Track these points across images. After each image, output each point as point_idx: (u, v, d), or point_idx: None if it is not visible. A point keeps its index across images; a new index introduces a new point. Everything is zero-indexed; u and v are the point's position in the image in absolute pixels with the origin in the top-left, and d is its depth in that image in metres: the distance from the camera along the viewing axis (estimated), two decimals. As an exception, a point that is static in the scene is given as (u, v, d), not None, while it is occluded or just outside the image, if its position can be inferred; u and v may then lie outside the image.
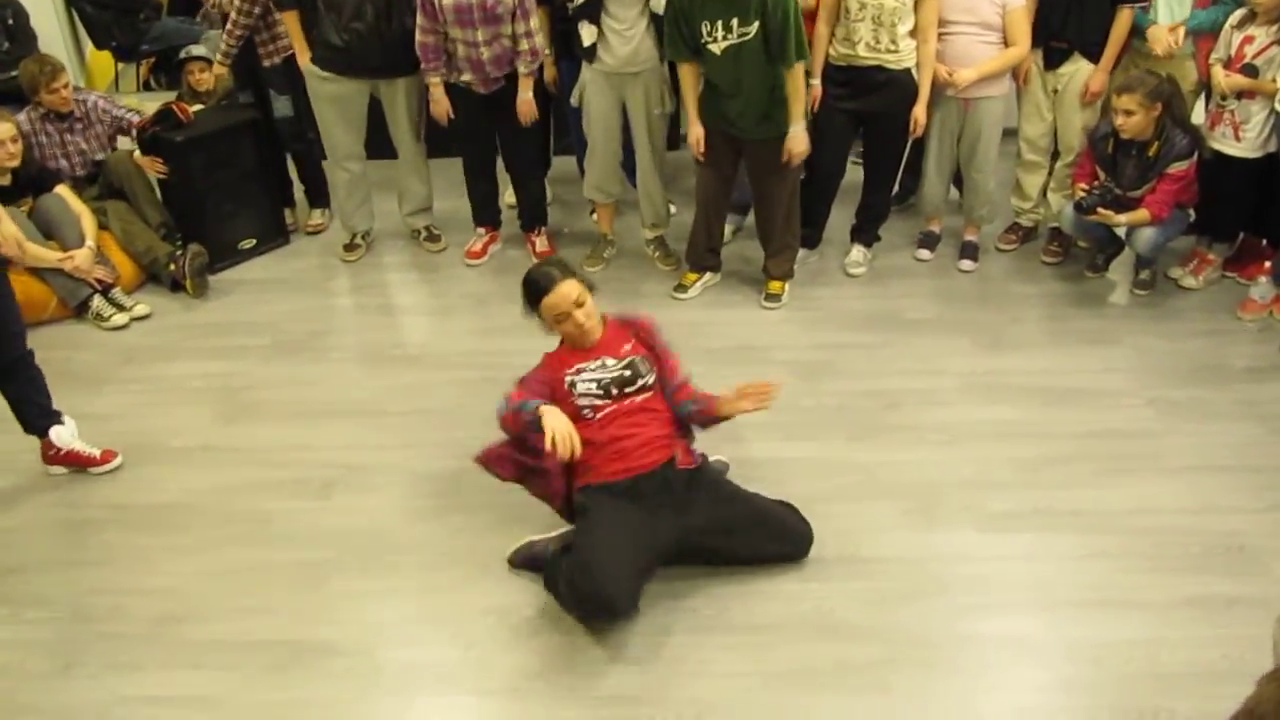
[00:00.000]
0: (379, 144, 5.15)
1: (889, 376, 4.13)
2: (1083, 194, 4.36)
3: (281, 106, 5.12)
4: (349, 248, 5.19)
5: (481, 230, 5.17)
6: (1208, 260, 4.69)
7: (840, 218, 4.94)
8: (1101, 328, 4.43)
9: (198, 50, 5.33)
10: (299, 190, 5.51)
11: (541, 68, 4.70)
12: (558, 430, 2.96)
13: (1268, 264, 4.46)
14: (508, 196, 5.33)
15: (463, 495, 3.55)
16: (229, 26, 4.87)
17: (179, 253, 4.87)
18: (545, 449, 2.97)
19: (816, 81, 4.48)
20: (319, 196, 5.48)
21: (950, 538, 3.31)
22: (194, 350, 4.52)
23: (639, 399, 3.19)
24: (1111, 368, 4.16)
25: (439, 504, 3.55)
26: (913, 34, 4.35)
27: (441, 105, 4.70)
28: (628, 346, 3.26)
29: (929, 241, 5.01)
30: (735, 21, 4.04)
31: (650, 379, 3.22)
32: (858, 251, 4.90)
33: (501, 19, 4.43)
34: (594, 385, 3.17)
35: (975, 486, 3.52)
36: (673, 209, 5.20)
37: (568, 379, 3.19)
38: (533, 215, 5.13)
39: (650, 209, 4.89)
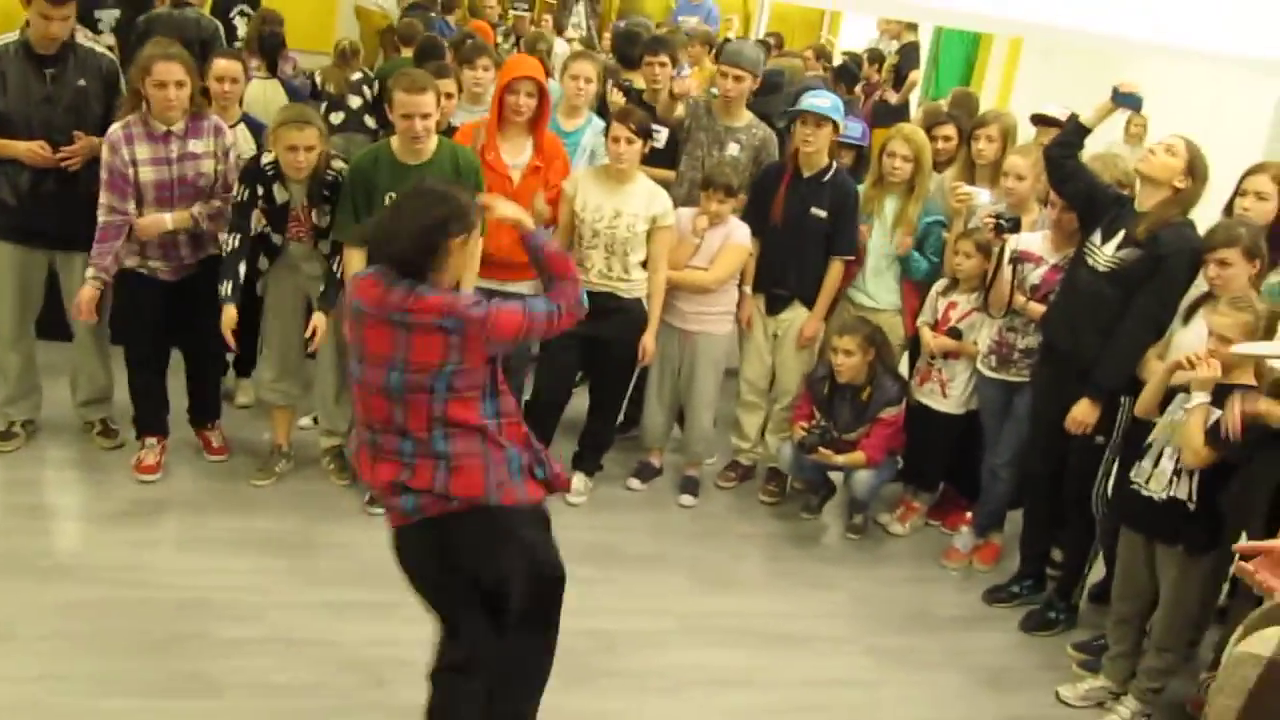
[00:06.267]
0: (52, 324, 4.54)
1: (606, 615, 3.86)
2: (803, 433, 4.42)
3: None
4: (4, 436, 4.44)
5: (152, 440, 4.42)
6: (913, 508, 4.81)
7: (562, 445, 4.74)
8: (819, 571, 4.40)
9: None
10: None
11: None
12: None
13: (969, 514, 4.62)
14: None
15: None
16: None
17: None
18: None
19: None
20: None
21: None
22: None
23: None
24: (830, 613, 4.11)
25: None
26: (644, 264, 4.37)
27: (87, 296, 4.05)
28: None
29: (645, 473, 4.88)
30: None
31: None
32: (579, 480, 4.70)
33: (203, 193, 4.12)
34: None
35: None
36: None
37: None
38: (206, 407, 4.56)
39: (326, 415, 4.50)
